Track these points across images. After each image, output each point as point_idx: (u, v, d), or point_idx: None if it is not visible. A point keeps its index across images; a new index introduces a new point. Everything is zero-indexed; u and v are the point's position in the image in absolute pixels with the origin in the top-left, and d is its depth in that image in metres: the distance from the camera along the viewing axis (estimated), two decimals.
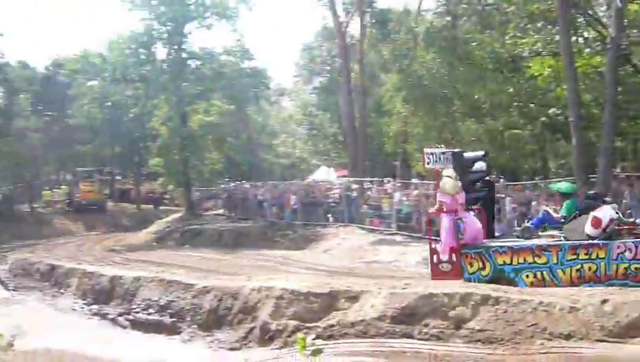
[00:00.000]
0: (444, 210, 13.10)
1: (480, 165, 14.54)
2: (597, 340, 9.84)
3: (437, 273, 13.41)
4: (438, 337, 11.09)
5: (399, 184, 28.57)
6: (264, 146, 59.61)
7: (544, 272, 12.14)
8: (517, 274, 12.37)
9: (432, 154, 13.92)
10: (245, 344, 13.61)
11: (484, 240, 13.29)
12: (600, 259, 11.79)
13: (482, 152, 15.22)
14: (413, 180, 29.34)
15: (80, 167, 53.07)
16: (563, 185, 14.97)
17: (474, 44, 28.33)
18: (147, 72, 40.30)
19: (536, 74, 24.44)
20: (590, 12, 22.79)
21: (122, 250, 31.63)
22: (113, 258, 27.16)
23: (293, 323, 13.06)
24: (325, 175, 46.53)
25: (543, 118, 24.67)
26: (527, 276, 12.28)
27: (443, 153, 13.94)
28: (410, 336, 11.14)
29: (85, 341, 14.53)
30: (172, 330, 15.50)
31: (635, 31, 21.75)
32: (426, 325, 11.34)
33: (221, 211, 40.84)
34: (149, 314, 16.69)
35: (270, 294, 14.14)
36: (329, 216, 30.84)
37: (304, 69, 46.40)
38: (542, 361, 9.49)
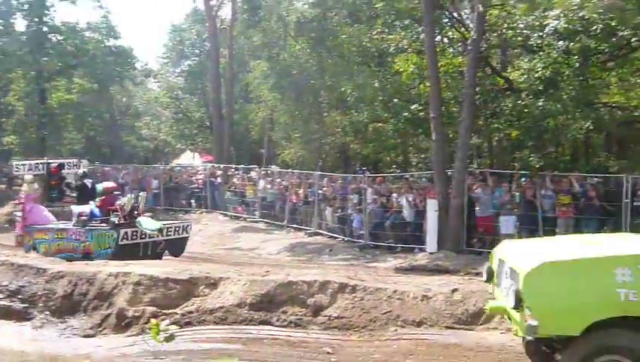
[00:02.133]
0: (24, 202, 18.26)
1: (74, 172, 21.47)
2: (446, 327, 10.34)
3: (16, 243, 18.62)
4: (296, 324, 11.25)
5: (264, 172, 28.68)
6: (127, 128, 58.00)
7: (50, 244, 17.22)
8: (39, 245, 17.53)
9: (22, 164, 21.53)
10: (100, 331, 13.24)
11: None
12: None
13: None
14: (274, 167, 29.60)
15: None
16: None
17: (343, 36, 28.72)
18: (4, 44, 38.35)
19: (400, 70, 25.12)
20: (454, 14, 23.61)
21: None
22: None
23: (150, 309, 12.82)
24: (190, 160, 45.98)
25: (406, 113, 25.32)
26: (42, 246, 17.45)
27: (36, 164, 21.03)
28: (269, 323, 11.24)
29: None
30: (22, 316, 14.86)
31: (494, 35, 22.72)
32: (285, 312, 11.48)
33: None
34: None
35: (127, 280, 13.82)
36: (192, 201, 30.52)
37: (172, 50, 45.52)
38: (394, 347, 9.82)
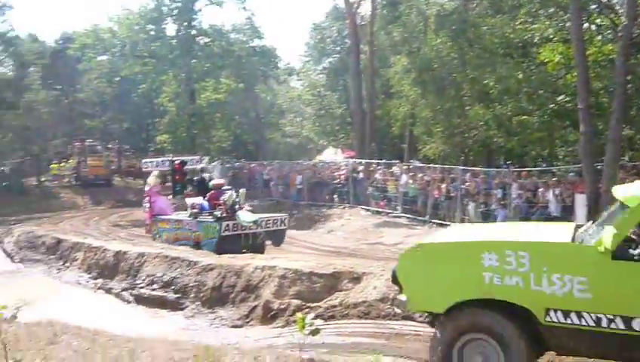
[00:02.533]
0: (149, 194, 20.66)
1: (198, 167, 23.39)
2: None
3: (146, 231, 22.12)
4: None
5: (406, 167, 28.57)
6: (271, 125, 59.58)
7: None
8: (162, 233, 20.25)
9: (150, 161, 24.41)
10: (247, 322, 13.71)
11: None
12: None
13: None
14: (415, 163, 29.34)
15: (88, 142, 53.22)
16: None
17: (484, 28, 28.15)
18: (156, 48, 40.30)
19: (546, 60, 24.29)
20: None
21: (128, 225, 31.71)
22: (118, 233, 27.26)
23: (295, 302, 13.15)
24: (332, 156, 46.54)
25: (552, 105, 24.53)
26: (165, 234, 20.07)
27: (162, 160, 23.85)
28: (411, 319, 11.20)
29: (89, 314, 14.67)
30: (175, 306, 15.62)
31: None
32: None
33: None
34: (153, 289, 16.79)
35: (273, 273, 14.23)
36: (335, 196, 30.88)
37: (314, 48, 46.23)
38: None
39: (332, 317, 12.20)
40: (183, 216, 19.76)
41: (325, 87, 46.16)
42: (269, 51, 42.73)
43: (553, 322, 6.29)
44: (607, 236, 6.13)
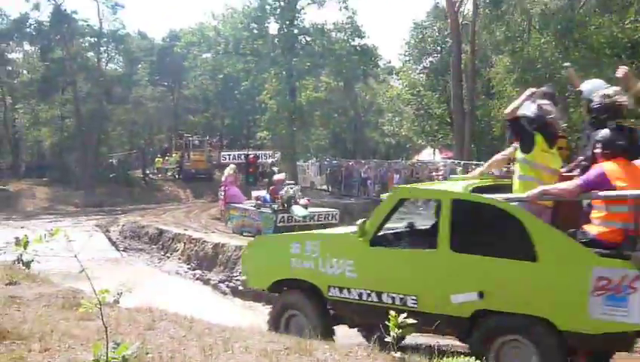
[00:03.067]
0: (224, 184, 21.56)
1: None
2: None
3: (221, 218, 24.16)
4: None
5: (505, 169, 27.97)
6: (370, 124, 59.65)
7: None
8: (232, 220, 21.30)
9: (228, 154, 27.97)
10: None
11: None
12: None
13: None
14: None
15: (191, 136, 54.79)
16: None
17: (592, 27, 27.31)
18: (259, 46, 40.96)
19: None
20: None
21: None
22: (217, 226, 27.90)
23: None
24: (430, 156, 46.16)
25: None
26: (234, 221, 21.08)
27: (238, 154, 26.70)
28: None
29: (186, 303, 15.13)
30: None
31: None
32: None
33: (324, 186, 41.25)
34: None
35: None
36: None
37: (414, 48, 45.95)
38: None
39: None
40: (249, 205, 20.77)
41: (425, 87, 45.77)
42: (369, 50, 42.69)
43: (333, 296, 7.77)
44: (366, 226, 7.52)
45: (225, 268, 18.87)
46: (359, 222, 7.71)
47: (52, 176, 51.67)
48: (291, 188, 20.80)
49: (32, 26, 56.75)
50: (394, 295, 7.25)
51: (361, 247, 7.52)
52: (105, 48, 61.33)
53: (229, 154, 29.31)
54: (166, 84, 60.80)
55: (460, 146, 34.00)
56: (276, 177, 21.97)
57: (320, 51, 40.88)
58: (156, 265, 22.14)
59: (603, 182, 6.20)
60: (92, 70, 55.80)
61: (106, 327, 4.40)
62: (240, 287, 11.59)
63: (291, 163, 43.39)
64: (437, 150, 48.25)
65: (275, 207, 19.87)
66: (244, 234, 20.88)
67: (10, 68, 61.37)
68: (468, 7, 36.23)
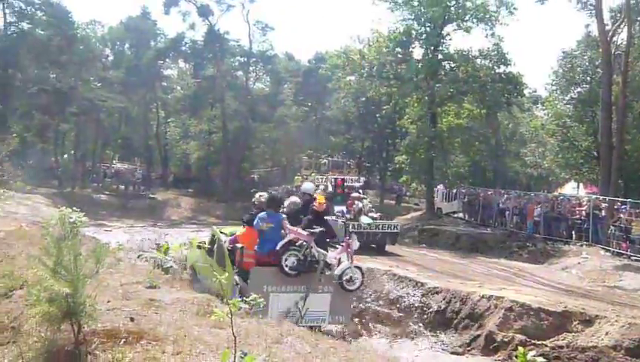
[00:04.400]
0: None
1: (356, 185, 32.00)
2: None
3: None
4: None
5: None
6: (511, 154, 58.31)
7: None
8: None
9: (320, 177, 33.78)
10: (469, 350, 13.61)
11: None
12: None
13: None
14: None
15: (331, 157, 55.56)
16: None
17: None
18: (402, 71, 41.04)
19: None
20: None
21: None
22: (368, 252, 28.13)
23: (519, 337, 12.84)
24: (574, 190, 44.51)
25: None
26: None
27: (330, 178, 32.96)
28: None
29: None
30: (399, 324, 15.87)
31: None
32: None
33: (460, 215, 40.70)
34: (379, 305, 17.19)
35: (499, 304, 13.99)
36: (572, 233, 29.50)
37: (562, 77, 44.52)
38: None
39: (557, 359, 11.76)
40: (331, 218, 23.44)
41: (572, 118, 44.24)
42: (514, 78, 41.76)
43: None
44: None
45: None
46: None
47: (197, 187, 54.08)
48: (361, 203, 26.48)
49: (187, 45, 59.79)
50: None
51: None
52: (253, 68, 63.70)
53: (321, 177, 35.04)
54: (309, 104, 62.08)
55: (606, 182, 32.53)
56: (354, 195, 27.65)
57: (464, 78, 40.40)
58: None
59: None
60: (240, 88, 58.03)
61: (235, 337, 4.59)
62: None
63: (429, 189, 43.14)
64: (581, 184, 46.43)
65: (348, 216, 25.54)
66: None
67: (165, 84, 64.94)
68: (622, 37, 34.76)
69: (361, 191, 30.24)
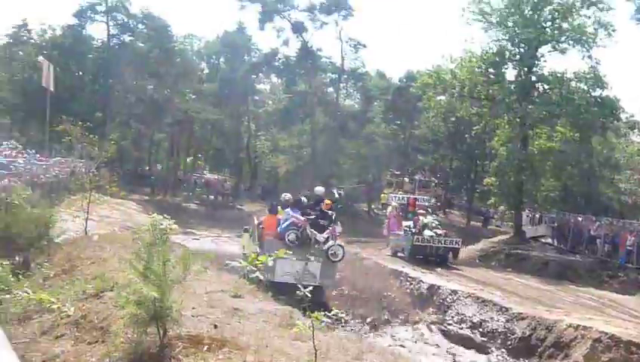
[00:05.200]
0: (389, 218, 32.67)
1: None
2: None
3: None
4: None
5: None
6: (605, 180, 56.58)
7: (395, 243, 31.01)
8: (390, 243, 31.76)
9: (394, 196, 38.37)
10: None
11: None
12: None
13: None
14: None
15: (419, 176, 55.38)
16: None
17: None
18: (494, 92, 40.55)
19: None
20: None
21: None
22: (435, 267, 27.91)
23: None
24: None
25: None
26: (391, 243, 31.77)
27: (402, 196, 37.42)
28: None
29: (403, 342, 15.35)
30: (481, 349, 15.66)
31: None
32: None
33: (549, 240, 39.75)
34: (461, 328, 17.02)
35: (587, 334, 13.65)
36: None
37: None
38: None
39: None
40: (401, 232, 29.76)
41: None
42: (611, 102, 40.56)
43: None
44: None
45: (438, 310, 18.87)
46: None
47: None
48: (425, 219, 29.56)
49: (280, 60, 60.79)
50: None
51: None
52: (344, 85, 64.22)
53: (394, 196, 37.75)
54: (399, 122, 61.96)
55: None
56: (419, 211, 31.29)
57: (557, 100, 39.53)
58: None
59: None
60: (330, 104, 58.61)
61: (316, 350, 4.69)
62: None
63: (517, 212, 42.34)
64: None
65: (414, 230, 28.47)
66: (398, 254, 29.31)
67: (257, 98, 66.17)
68: None
69: (430, 209, 34.10)
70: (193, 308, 8.09)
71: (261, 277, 8.99)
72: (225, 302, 9.23)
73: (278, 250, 8.53)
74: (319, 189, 21.51)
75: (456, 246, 28.67)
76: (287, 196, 20.07)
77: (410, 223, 29.53)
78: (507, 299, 18.07)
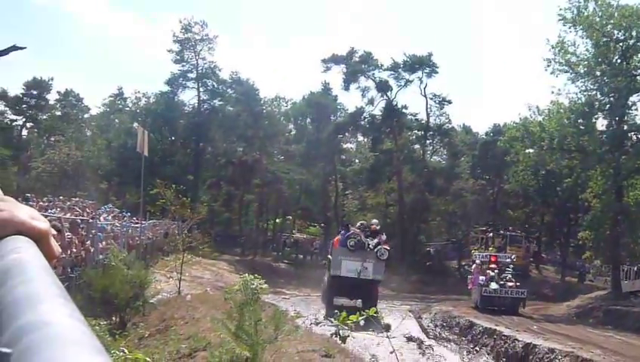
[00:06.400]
0: (474, 273, 36.40)
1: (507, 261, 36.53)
2: None
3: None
4: None
5: None
6: None
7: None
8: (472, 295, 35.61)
9: (479, 254, 40.29)
10: None
11: None
12: None
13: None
14: None
15: (509, 231, 54.26)
16: None
17: None
18: (585, 143, 39.69)
19: None
20: None
21: (540, 319, 31.40)
22: (530, 326, 27.13)
23: None
24: None
25: None
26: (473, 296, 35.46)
27: (484, 255, 38.63)
28: None
29: None
30: None
31: None
32: None
33: None
34: None
35: None
36: None
37: None
38: None
39: None
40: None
41: None
42: None
43: None
44: None
45: None
46: None
47: None
48: (493, 272, 32.33)
49: (366, 119, 61.37)
50: None
51: None
52: (430, 141, 64.08)
53: (480, 254, 39.13)
54: (487, 177, 61.24)
55: None
56: (490, 266, 33.52)
57: None
58: (465, 358, 22.11)
59: None
60: (417, 161, 58.56)
61: None
62: None
63: (614, 266, 40.87)
64: None
65: (482, 283, 31.80)
66: (479, 305, 31.42)
67: (343, 157, 66.81)
68: None
69: (511, 266, 35.12)
70: None
71: None
72: (315, 361, 9.24)
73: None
74: (374, 221, 31.98)
75: (522, 296, 31.93)
76: (352, 227, 30.69)
77: (483, 278, 32.53)
78: (608, 359, 17.34)
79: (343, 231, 29.42)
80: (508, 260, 36.78)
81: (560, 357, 17.92)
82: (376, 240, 27.77)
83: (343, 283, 27.33)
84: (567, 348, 18.84)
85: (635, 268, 41.24)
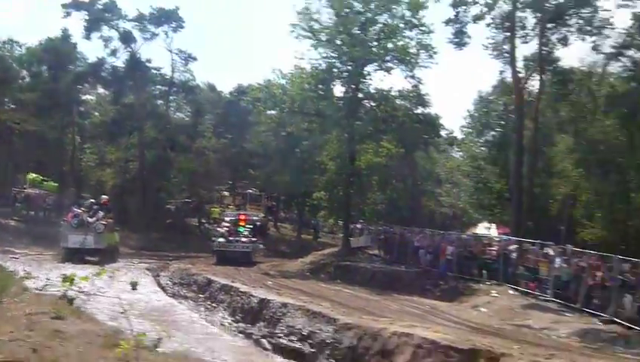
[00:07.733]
0: None
1: None
2: None
3: None
4: None
5: (560, 250, 27.27)
6: (427, 193, 59.39)
7: None
8: None
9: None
10: None
11: None
12: None
13: None
14: (570, 247, 27.64)
15: (249, 190, 55.39)
16: None
17: None
18: (323, 108, 41.30)
19: None
20: None
21: (276, 275, 32.53)
22: (266, 281, 28.03)
23: None
24: (486, 230, 45.60)
25: None
26: None
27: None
28: None
29: (225, 354, 15.18)
30: (310, 360, 15.82)
31: None
32: None
33: (376, 252, 41.04)
34: (291, 340, 17.12)
35: (409, 341, 14.12)
36: (484, 272, 30.12)
37: (477, 120, 45.86)
38: None
39: None
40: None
41: (486, 160, 45.55)
42: (432, 119, 42.70)
43: None
44: None
45: (268, 324, 18.89)
46: None
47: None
48: (223, 229, 38.29)
49: (108, 71, 58.68)
50: None
51: None
52: (174, 97, 63.06)
53: (229, 213, 43.93)
54: (229, 136, 61.75)
55: (517, 223, 33.53)
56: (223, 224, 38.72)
57: (383, 117, 41.03)
58: (201, 314, 22.28)
59: None
60: (160, 117, 57.38)
61: None
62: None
63: (345, 225, 43.38)
64: (493, 225, 47.64)
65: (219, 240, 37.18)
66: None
67: (82, 109, 63.45)
68: (533, 84, 36.04)
69: (258, 223, 40.88)
70: (11, 332, 7.57)
71: None
72: (45, 324, 8.71)
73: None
74: (104, 197, 39.94)
75: (248, 249, 37.35)
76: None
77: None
78: (336, 310, 18.38)
79: (74, 208, 36.13)
80: (255, 218, 41.83)
81: (292, 310, 18.67)
82: (94, 218, 34.76)
83: (71, 251, 33.22)
84: (299, 302, 19.69)
85: (360, 226, 44.24)
